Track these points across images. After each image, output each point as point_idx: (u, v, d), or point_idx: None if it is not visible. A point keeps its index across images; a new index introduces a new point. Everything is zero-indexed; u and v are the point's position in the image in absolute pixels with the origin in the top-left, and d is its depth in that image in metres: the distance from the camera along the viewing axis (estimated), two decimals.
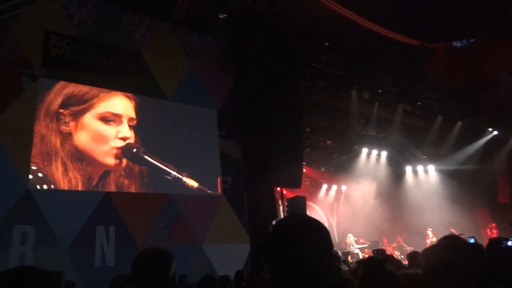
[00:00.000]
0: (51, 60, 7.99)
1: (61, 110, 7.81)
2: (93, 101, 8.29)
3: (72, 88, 8.10)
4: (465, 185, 15.89)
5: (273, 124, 10.46)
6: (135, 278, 1.74)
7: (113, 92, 8.65)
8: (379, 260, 2.10)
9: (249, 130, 10.63)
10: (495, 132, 16.03)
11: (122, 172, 8.24)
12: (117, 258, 7.30)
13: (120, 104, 8.70)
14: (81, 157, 7.75)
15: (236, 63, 10.73)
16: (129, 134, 8.54)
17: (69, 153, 7.63)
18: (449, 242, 1.53)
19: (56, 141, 7.54)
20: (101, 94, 8.45)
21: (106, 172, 8.04)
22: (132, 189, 8.29)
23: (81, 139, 7.89)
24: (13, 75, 7.43)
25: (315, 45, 10.79)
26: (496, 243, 2.08)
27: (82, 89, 8.24)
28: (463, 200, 15.32)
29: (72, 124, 7.85)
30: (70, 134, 7.76)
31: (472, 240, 6.97)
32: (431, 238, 14.87)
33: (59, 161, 7.45)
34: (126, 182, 8.22)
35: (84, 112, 8.10)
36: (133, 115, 8.76)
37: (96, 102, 8.33)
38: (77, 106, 8.04)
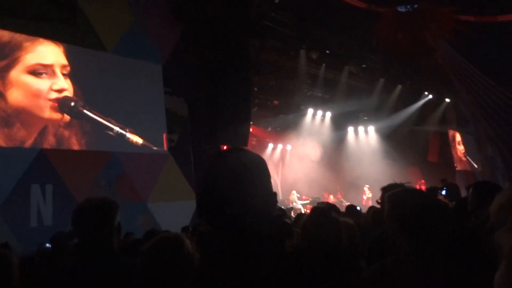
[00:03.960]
0: None
1: None
2: (17, 54, 7.35)
3: None
4: (400, 145, 17.00)
5: (221, 81, 10.23)
6: (77, 231, 1.63)
7: (37, 40, 7.72)
8: (324, 208, 2.19)
9: (196, 87, 10.34)
10: (430, 96, 17.08)
11: (60, 128, 7.70)
12: (55, 218, 6.96)
13: (49, 52, 7.84)
14: (10, 121, 7.01)
15: (184, 16, 10.19)
16: (66, 84, 7.88)
17: None
18: (412, 188, 1.60)
19: None
20: (25, 44, 7.50)
21: (43, 128, 7.47)
22: (72, 146, 7.82)
23: (12, 98, 7.13)
24: None
25: (265, 1, 10.52)
26: (433, 191, 2.23)
27: None
28: (398, 159, 16.42)
29: None
30: None
31: (443, 192, 7.60)
32: (368, 194, 15.93)
33: None
34: (64, 138, 7.72)
35: (9, 68, 7.20)
36: (65, 62, 7.98)
37: (21, 55, 7.41)
38: (1, 61, 7.14)
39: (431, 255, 1.35)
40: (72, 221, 1.64)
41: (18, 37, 7.47)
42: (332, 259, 1.78)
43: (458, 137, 20.54)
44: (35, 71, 7.54)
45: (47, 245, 4.51)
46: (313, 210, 2.20)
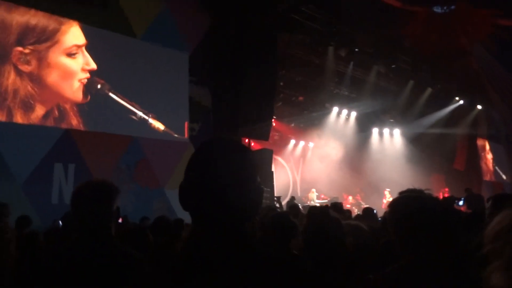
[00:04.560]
0: None
1: (20, 48, 7.14)
2: (56, 37, 7.66)
3: (23, 19, 7.28)
4: (426, 150, 16.53)
5: (247, 74, 10.20)
6: (74, 212, 1.61)
7: (71, 23, 7.96)
8: (323, 207, 2.13)
9: (221, 78, 10.35)
10: (461, 102, 16.49)
11: (86, 109, 7.89)
12: None
13: (81, 34, 8.11)
14: (39, 100, 7.20)
15: (213, 7, 10.20)
16: (95, 66, 8.09)
17: (21, 102, 7.04)
18: (414, 194, 1.50)
19: (8, 86, 6.92)
20: (62, 27, 7.79)
21: (70, 108, 7.67)
22: (96, 128, 7.99)
23: (48, 78, 7.38)
24: None
25: None
26: (449, 201, 2.12)
27: (37, 21, 7.45)
28: (422, 165, 15.97)
29: (34, 62, 7.26)
30: (31, 73, 7.19)
31: (460, 203, 7.32)
32: (388, 198, 15.59)
33: (5, 110, 6.90)
34: (89, 120, 7.90)
35: (48, 48, 7.50)
36: (95, 45, 8.20)
37: (60, 36, 7.72)
38: (41, 44, 7.40)
39: (427, 263, 1.27)
40: (71, 202, 1.62)
41: (55, 20, 7.71)
42: (334, 262, 1.71)
43: (487, 146, 19.80)
44: (70, 53, 7.80)
45: (60, 222, 4.62)
46: (311, 209, 2.12)
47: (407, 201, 1.44)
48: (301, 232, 1.97)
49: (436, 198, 1.59)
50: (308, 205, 14.22)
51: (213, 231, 0.91)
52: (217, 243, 0.90)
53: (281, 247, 2.06)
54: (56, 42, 7.65)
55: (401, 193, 2.49)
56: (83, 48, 8.03)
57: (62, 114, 7.56)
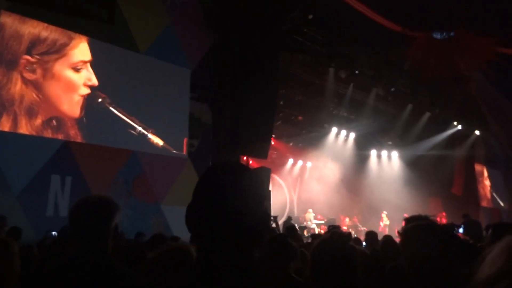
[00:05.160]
0: None
1: (27, 57, 7.22)
2: (65, 50, 7.80)
3: (36, 30, 7.43)
4: (423, 174, 16.52)
5: (248, 92, 10.26)
6: (72, 228, 1.58)
7: (80, 38, 8.09)
8: (343, 235, 2.06)
9: (222, 95, 10.40)
10: (459, 127, 16.59)
11: (86, 122, 7.89)
12: None
13: (88, 49, 8.21)
14: (39, 111, 7.25)
15: (216, 25, 10.34)
16: (96, 81, 8.14)
17: (26, 108, 7.10)
18: (425, 223, 1.49)
19: (15, 92, 6.99)
20: (72, 42, 7.93)
21: (70, 121, 7.67)
22: (95, 141, 7.97)
23: (50, 89, 7.43)
24: None
25: (299, 16, 10.55)
26: (450, 228, 2.09)
27: (49, 34, 7.60)
28: (420, 188, 15.94)
29: (39, 72, 7.33)
30: (35, 82, 7.24)
31: (460, 230, 7.23)
32: (385, 221, 15.49)
33: (11, 116, 6.94)
34: (88, 133, 7.88)
35: (55, 60, 7.59)
36: (98, 59, 8.30)
37: (69, 51, 7.84)
38: (50, 55, 7.50)
39: None
40: (69, 217, 1.58)
41: (65, 35, 7.85)
42: None
43: (485, 172, 19.82)
44: (76, 67, 7.88)
45: (53, 232, 4.56)
46: (333, 234, 2.01)
47: (421, 230, 1.43)
48: (312, 253, 1.86)
49: (446, 227, 1.57)
50: (305, 225, 14.10)
51: (218, 255, 0.90)
52: (221, 267, 0.89)
53: (280, 271, 2.02)
54: (64, 55, 7.75)
55: (407, 219, 2.44)
56: (88, 64, 8.11)
57: (61, 125, 7.55)
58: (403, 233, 1.47)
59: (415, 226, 1.47)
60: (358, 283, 1.67)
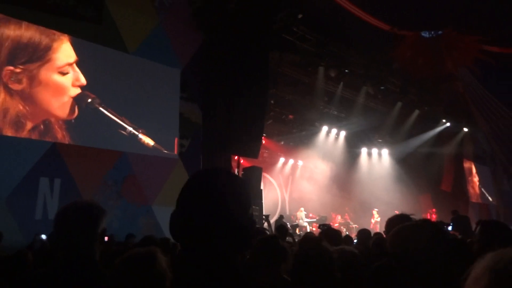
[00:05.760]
0: None
1: (11, 68, 7.06)
2: (48, 55, 7.63)
3: (14, 33, 7.19)
4: (413, 171, 16.69)
5: (238, 91, 10.25)
6: (58, 234, 1.55)
7: (62, 39, 7.93)
8: (315, 238, 2.10)
9: (212, 95, 10.37)
10: (448, 124, 16.79)
11: (75, 124, 7.80)
12: None
13: (72, 50, 8.08)
14: (26, 114, 7.12)
15: (206, 24, 10.29)
16: (84, 81, 8.04)
17: (11, 121, 6.96)
18: (423, 224, 1.50)
19: None
20: (54, 45, 7.74)
21: (58, 122, 7.57)
22: (84, 143, 7.89)
23: (38, 95, 7.32)
24: None
25: (289, 16, 10.56)
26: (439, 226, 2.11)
27: (29, 38, 7.37)
28: (410, 185, 16.11)
29: (25, 81, 7.20)
30: (21, 92, 7.11)
31: (449, 228, 7.32)
32: (376, 218, 15.62)
33: None
34: (77, 134, 7.80)
35: (40, 68, 7.47)
36: (86, 59, 8.18)
37: (52, 55, 7.69)
38: (33, 63, 7.35)
39: None
40: (54, 223, 1.56)
41: (46, 37, 7.68)
42: None
43: (473, 169, 20.09)
44: (62, 71, 7.76)
45: (43, 236, 4.52)
46: (304, 238, 2.06)
47: (411, 230, 1.44)
48: (292, 258, 1.92)
49: (436, 224, 1.58)
50: (297, 224, 14.16)
51: (201, 262, 0.90)
52: (207, 275, 0.88)
53: (270, 272, 2.03)
54: (48, 61, 7.60)
55: (392, 220, 2.45)
56: (74, 65, 8.00)
57: (48, 128, 7.45)
58: (392, 233, 1.47)
59: (405, 226, 1.48)
60: (335, 283, 1.70)
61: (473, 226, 8.59)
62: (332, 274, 1.71)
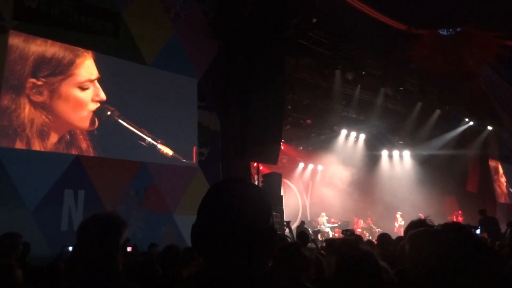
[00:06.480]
0: (24, 12, 7.49)
1: (33, 80, 7.33)
2: (70, 70, 7.88)
3: (40, 49, 7.51)
4: (437, 172, 16.30)
5: (255, 98, 10.27)
6: (80, 246, 1.58)
7: (85, 55, 8.17)
8: (352, 241, 2.02)
9: (230, 102, 10.43)
10: (471, 123, 16.36)
11: (96, 136, 7.98)
12: None
13: (94, 66, 8.32)
14: (50, 128, 7.35)
15: (221, 33, 10.40)
16: (104, 96, 8.24)
17: (37, 131, 7.22)
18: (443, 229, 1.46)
19: (25, 117, 7.10)
20: (77, 60, 8.02)
21: (80, 136, 7.76)
22: (106, 154, 8.05)
23: (58, 109, 7.54)
24: None
25: (303, 21, 10.56)
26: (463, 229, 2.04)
27: (54, 52, 7.68)
28: (434, 187, 15.74)
29: (46, 93, 7.45)
30: (42, 103, 7.36)
31: (478, 231, 7.11)
32: (400, 222, 15.31)
33: (24, 141, 7.05)
34: (99, 146, 7.97)
35: (61, 81, 7.71)
36: (106, 73, 8.39)
37: (74, 70, 7.94)
38: (55, 76, 7.61)
39: None
40: (77, 236, 1.57)
41: (70, 52, 7.94)
42: None
43: (500, 169, 19.47)
44: (83, 87, 7.98)
45: (70, 248, 4.60)
46: (341, 247, 1.94)
47: (428, 236, 1.40)
48: (332, 273, 1.80)
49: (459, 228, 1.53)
50: (318, 229, 14.01)
51: (223, 273, 0.89)
52: (229, 284, 0.88)
53: (292, 280, 2.00)
54: (70, 76, 7.85)
55: (410, 226, 2.38)
56: (95, 81, 8.23)
57: (74, 138, 7.66)
58: (409, 239, 1.44)
59: (422, 231, 1.44)
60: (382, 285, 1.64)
61: (502, 227, 8.31)
62: (379, 276, 1.64)
